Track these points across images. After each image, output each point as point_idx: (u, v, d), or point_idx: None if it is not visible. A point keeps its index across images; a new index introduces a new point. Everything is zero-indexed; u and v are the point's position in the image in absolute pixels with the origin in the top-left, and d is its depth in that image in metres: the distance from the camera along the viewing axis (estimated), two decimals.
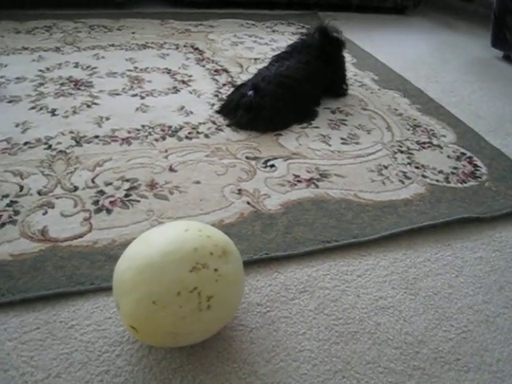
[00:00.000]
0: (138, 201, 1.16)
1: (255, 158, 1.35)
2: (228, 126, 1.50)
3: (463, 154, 1.55)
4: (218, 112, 1.57)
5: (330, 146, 1.46)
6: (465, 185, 1.39)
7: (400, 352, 0.91)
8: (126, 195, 1.17)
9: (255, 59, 2.02)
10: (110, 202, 1.15)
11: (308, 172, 1.32)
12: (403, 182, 1.34)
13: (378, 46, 2.47)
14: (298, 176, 1.30)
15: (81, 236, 1.04)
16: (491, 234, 1.25)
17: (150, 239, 0.80)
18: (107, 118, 1.49)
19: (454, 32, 2.91)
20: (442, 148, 1.56)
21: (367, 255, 1.11)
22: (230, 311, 0.83)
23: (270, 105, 1.46)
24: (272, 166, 1.32)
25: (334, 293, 1.01)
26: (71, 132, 1.40)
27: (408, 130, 1.63)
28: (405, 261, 1.11)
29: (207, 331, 0.81)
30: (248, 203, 1.18)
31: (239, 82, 1.74)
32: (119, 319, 0.90)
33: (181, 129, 1.47)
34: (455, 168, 1.46)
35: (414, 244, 1.17)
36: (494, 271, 1.13)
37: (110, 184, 1.20)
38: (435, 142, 1.59)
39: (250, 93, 1.48)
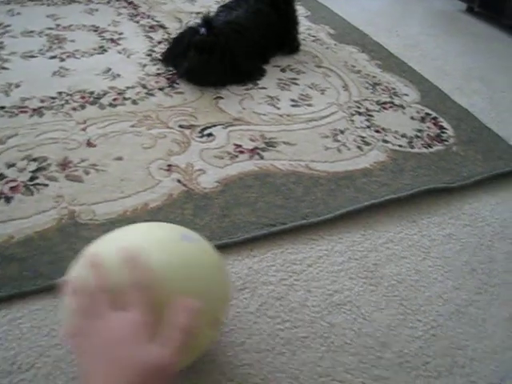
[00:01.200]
0: (46, 185, 0.96)
1: (190, 127, 1.15)
2: (175, 76, 1.33)
3: (428, 114, 1.39)
4: (161, 60, 1.36)
5: (278, 109, 1.28)
6: (430, 150, 1.23)
7: (358, 359, 0.75)
8: (32, 178, 0.97)
9: (197, 13, 1.79)
10: (11, 188, 0.94)
11: (252, 141, 1.13)
12: (362, 149, 1.17)
13: (338, 1, 2.27)
14: (240, 146, 1.11)
15: None
16: (460, 205, 1.10)
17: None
18: (17, 85, 1.27)
19: None
20: (404, 108, 1.39)
21: (320, 239, 0.94)
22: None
23: (226, 45, 1.26)
24: (209, 134, 1.13)
25: (280, 289, 0.83)
26: None
27: (367, 88, 1.46)
28: (364, 243, 0.95)
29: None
30: (179, 181, 0.99)
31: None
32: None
33: (104, 95, 1.25)
34: (419, 131, 1.30)
35: (374, 222, 1.00)
36: (464, 250, 0.99)
37: (13, 165, 1.00)
38: (397, 101, 1.42)
39: (203, 30, 1.27)
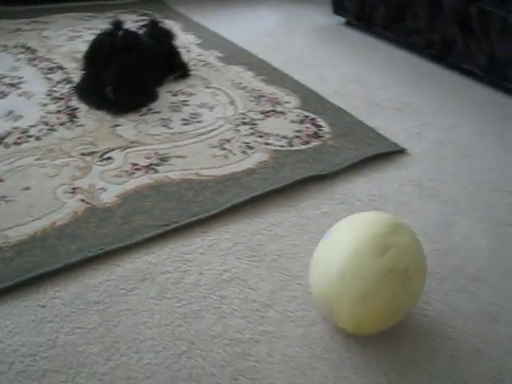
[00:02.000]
0: None
1: (91, 153, 1.28)
2: (75, 111, 1.50)
3: (306, 116, 1.58)
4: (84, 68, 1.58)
5: (170, 128, 1.43)
6: (308, 146, 1.41)
7: (246, 321, 0.90)
8: None
9: None
10: None
11: (147, 158, 1.27)
12: (246, 153, 1.34)
13: (226, 25, 2.46)
14: (136, 164, 1.25)
15: None
16: (333, 188, 1.28)
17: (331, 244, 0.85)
18: None
19: (301, 5, 2.96)
20: (285, 114, 1.58)
21: (210, 231, 1.09)
22: (424, 278, 0.86)
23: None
24: (109, 158, 1.27)
25: (176, 275, 0.98)
26: None
27: (252, 101, 1.64)
28: (249, 229, 1.11)
29: (412, 303, 0.86)
30: (82, 200, 1.12)
31: (76, 78, 1.64)
32: None
33: (8, 135, 1.36)
34: (299, 131, 1.49)
35: (257, 211, 1.16)
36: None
37: None
38: (279, 109, 1.60)
39: (121, 32, 1.48)
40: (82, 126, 1.41)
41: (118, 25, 1.48)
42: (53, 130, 1.40)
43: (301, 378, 0.82)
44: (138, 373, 0.80)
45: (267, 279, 0.99)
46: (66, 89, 1.62)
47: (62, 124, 1.43)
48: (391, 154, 1.47)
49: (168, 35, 1.77)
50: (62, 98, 1.56)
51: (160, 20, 1.79)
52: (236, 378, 0.81)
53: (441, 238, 1.16)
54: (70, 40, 2.07)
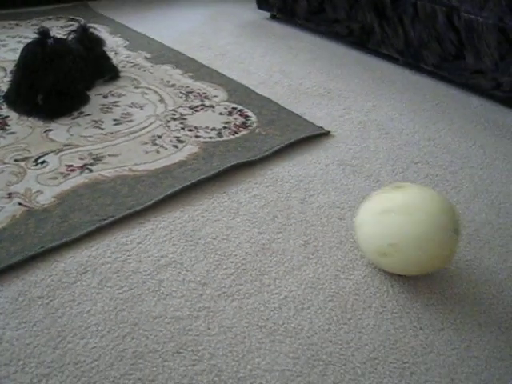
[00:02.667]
0: None
1: (25, 159, 1.31)
2: (5, 119, 1.51)
3: (234, 108, 1.66)
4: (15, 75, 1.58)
5: (102, 129, 1.47)
6: (237, 135, 1.48)
7: (185, 300, 0.97)
8: None
9: None
10: None
11: (81, 159, 1.31)
12: (177, 147, 1.39)
13: (152, 25, 2.50)
14: (71, 165, 1.29)
15: None
16: (263, 173, 1.36)
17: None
18: None
19: (226, 2, 3.03)
20: (214, 107, 1.64)
21: (146, 222, 1.14)
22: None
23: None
24: (43, 162, 1.30)
25: (116, 265, 1.03)
26: None
27: (181, 97, 1.69)
28: (183, 217, 1.17)
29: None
30: (20, 204, 1.15)
31: (3, 87, 1.65)
32: None
33: None
34: (227, 122, 1.56)
35: (190, 200, 1.23)
36: (267, 204, 1.24)
37: None
38: (207, 103, 1.67)
39: (51, 41, 1.51)
40: (13, 133, 1.43)
41: (45, 33, 1.50)
42: None
43: (239, 346, 0.89)
44: (85, 357, 0.85)
45: (202, 260, 1.06)
46: None
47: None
48: (317, 137, 1.56)
49: (97, 40, 1.80)
50: None
51: (89, 25, 1.81)
52: (178, 351, 0.87)
53: None
54: None
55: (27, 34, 2.21)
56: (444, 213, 0.97)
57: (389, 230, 0.97)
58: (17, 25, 2.36)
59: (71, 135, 1.43)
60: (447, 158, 1.53)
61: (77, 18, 2.50)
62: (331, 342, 0.91)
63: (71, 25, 2.37)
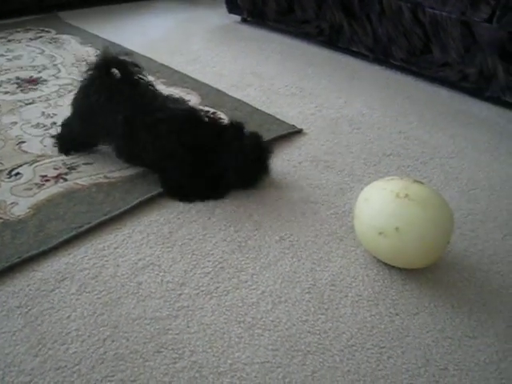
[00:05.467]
0: None
1: None
2: None
3: (208, 111, 1.67)
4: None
5: None
6: None
7: (164, 300, 0.98)
8: None
9: None
10: None
11: (55, 169, 1.32)
12: None
13: (124, 34, 2.50)
14: (46, 176, 1.29)
15: None
16: None
17: None
18: None
19: (197, 8, 3.05)
20: None
21: (122, 227, 1.15)
22: None
23: None
24: (17, 173, 1.30)
25: (94, 270, 1.04)
26: None
27: None
28: (159, 220, 1.18)
29: None
30: None
31: None
32: None
33: None
34: None
35: (166, 203, 1.24)
36: (242, 204, 1.26)
37: None
38: None
39: None
40: None
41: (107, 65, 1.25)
42: None
43: (218, 342, 0.91)
44: (66, 362, 0.86)
45: (180, 261, 1.07)
46: None
47: None
48: (290, 135, 1.59)
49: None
50: None
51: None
52: (159, 350, 0.88)
53: (338, 202, 1.29)
54: None
55: None
56: (449, 219, 1.01)
57: (399, 214, 0.99)
58: None
59: (45, 146, 1.43)
60: (418, 149, 1.56)
61: (47, 29, 2.49)
62: (309, 332, 0.93)
63: (41, 36, 2.36)
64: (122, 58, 1.26)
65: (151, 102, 1.25)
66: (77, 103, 1.31)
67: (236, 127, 1.28)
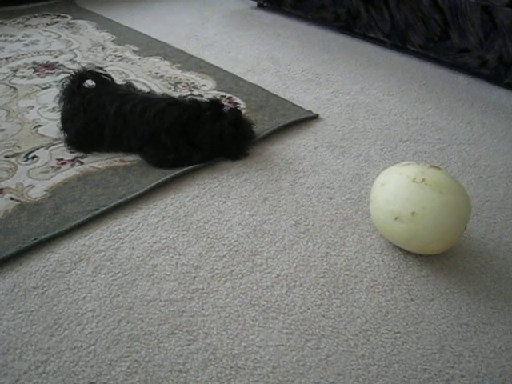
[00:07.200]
0: None
1: (15, 155, 1.32)
2: None
3: (223, 96, 1.66)
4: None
5: None
6: None
7: (178, 282, 0.98)
8: None
9: (6, 58, 1.93)
10: None
11: (71, 152, 1.32)
12: None
13: (139, 19, 2.50)
14: (62, 159, 1.30)
15: None
16: (253, 157, 1.37)
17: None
18: None
19: None
20: (202, 96, 1.65)
21: (138, 210, 1.16)
22: None
23: None
24: (34, 157, 1.31)
25: (110, 252, 1.04)
26: None
27: (169, 88, 1.70)
28: (175, 204, 1.18)
29: None
30: (12, 199, 1.16)
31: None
32: None
33: None
34: None
35: (181, 186, 1.24)
36: (258, 187, 1.25)
37: None
38: (196, 92, 1.68)
39: None
40: (3, 130, 1.44)
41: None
42: None
43: (232, 324, 0.91)
44: (81, 342, 0.86)
45: (195, 244, 1.07)
46: None
47: None
48: (306, 120, 1.58)
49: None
50: None
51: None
52: (173, 332, 0.89)
53: (354, 188, 1.28)
54: None
55: (12, 32, 2.22)
56: (466, 205, 1.00)
57: (415, 199, 0.97)
58: (1, 24, 2.36)
59: (61, 130, 1.43)
60: (435, 136, 1.54)
61: (63, 14, 2.49)
62: (324, 316, 0.93)
63: (57, 22, 2.37)
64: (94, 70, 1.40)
65: (134, 92, 1.39)
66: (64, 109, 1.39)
67: (215, 105, 1.34)
